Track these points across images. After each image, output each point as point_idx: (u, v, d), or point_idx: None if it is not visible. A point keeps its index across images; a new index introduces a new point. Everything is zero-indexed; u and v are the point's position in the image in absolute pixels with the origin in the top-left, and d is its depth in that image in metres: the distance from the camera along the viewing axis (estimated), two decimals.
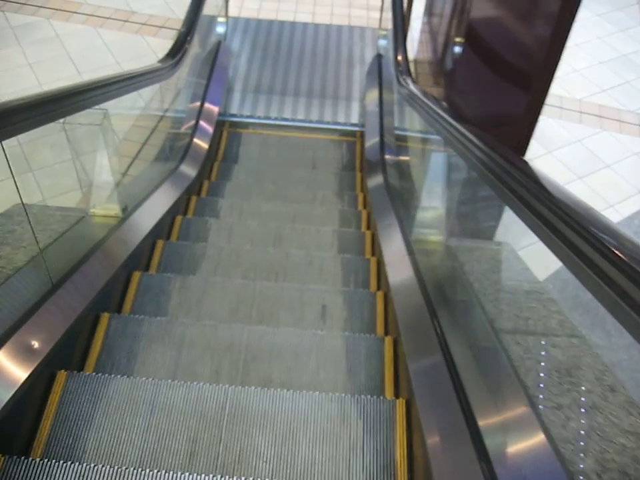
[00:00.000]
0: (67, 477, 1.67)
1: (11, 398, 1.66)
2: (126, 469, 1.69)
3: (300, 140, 5.03)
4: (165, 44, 3.78)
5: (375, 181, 3.78)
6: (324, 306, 2.68)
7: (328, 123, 5.32)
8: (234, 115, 5.31)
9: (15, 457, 1.68)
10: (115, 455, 1.84)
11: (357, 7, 6.86)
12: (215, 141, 4.58)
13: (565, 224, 1.14)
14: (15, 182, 1.78)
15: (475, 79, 3.52)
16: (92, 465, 1.69)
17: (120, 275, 2.52)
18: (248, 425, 1.95)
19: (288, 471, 1.85)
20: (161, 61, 3.34)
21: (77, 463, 1.69)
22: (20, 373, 1.75)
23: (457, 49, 4.05)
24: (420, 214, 2.80)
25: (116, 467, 1.69)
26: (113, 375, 2.04)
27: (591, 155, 5.38)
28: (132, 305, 2.60)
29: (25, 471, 1.66)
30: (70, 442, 1.86)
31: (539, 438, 1.41)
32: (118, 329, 2.33)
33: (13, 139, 1.67)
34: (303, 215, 3.70)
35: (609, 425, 1.34)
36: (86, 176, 2.70)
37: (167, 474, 1.69)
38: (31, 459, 1.68)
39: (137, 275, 2.69)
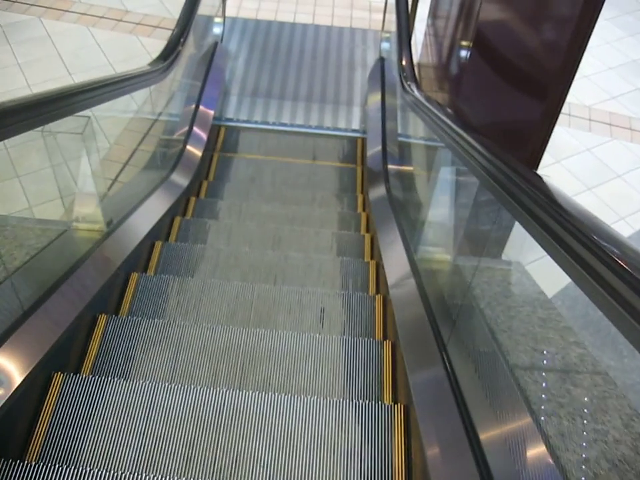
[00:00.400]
0: None
1: (6, 401, 1.64)
2: (122, 473, 1.68)
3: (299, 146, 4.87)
4: (159, 44, 3.63)
5: (377, 192, 3.62)
6: (322, 309, 2.68)
7: (328, 128, 5.18)
8: (230, 120, 5.17)
9: (11, 460, 1.67)
10: (112, 459, 1.84)
11: (359, 8, 6.73)
12: (209, 147, 4.42)
13: (577, 240, 1.10)
14: None
15: (484, 86, 3.38)
16: (88, 469, 1.68)
17: (84, 318, 2.31)
18: (245, 430, 1.94)
19: (285, 477, 1.85)
20: (152, 63, 3.18)
21: (73, 467, 1.68)
22: (16, 375, 1.73)
23: (464, 54, 3.92)
24: (426, 230, 2.66)
25: (112, 471, 1.68)
26: (109, 378, 2.04)
27: (600, 165, 5.23)
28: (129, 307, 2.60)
29: (20, 474, 1.65)
30: (66, 445, 1.85)
31: (540, 449, 1.41)
32: (115, 331, 2.33)
33: None
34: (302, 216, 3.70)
35: None
36: (68, 187, 2.54)
37: (163, 478, 1.69)
38: (26, 462, 1.67)
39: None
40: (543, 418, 1.56)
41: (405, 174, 3.65)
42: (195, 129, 4.18)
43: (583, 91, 5.95)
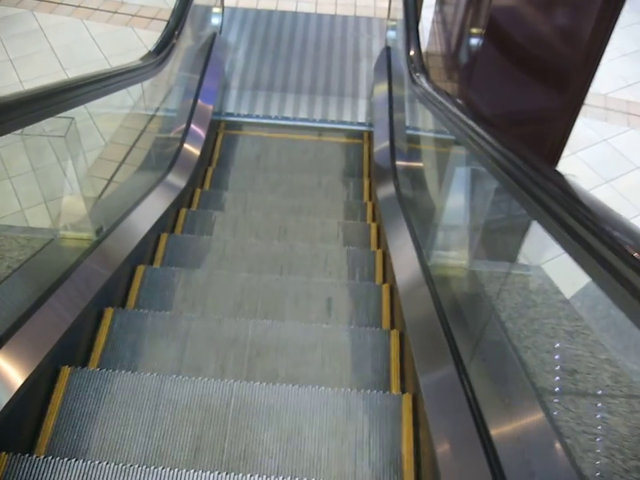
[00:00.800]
0: (71, 474, 1.67)
1: (14, 395, 1.65)
2: (130, 466, 1.69)
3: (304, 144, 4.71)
4: (157, 37, 3.48)
5: (385, 190, 3.45)
6: (329, 299, 2.68)
7: (333, 122, 5.01)
8: (230, 114, 5.00)
9: (19, 454, 1.67)
10: (120, 451, 1.84)
11: None
12: (208, 144, 4.25)
13: (600, 239, 1.05)
14: None
15: (497, 76, 3.21)
16: (96, 462, 1.69)
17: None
18: (253, 421, 1.95)
19: (293, 467, 1.85)
20: (144, 57, 3.02)
21: (81, 460, 1.69)
22: (24, 369, 1.74)
23: (475, 42, 3.74)
24: (439, 231, 2.49)
25: (120, 464, 1.69)
26: (117, 371, 2.05)
27: (618, 156, 5.03)
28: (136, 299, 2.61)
29: (29, 468, 1.66)
30: (74, 438, 1.86)
31: (550, 439, 1.41)
32: (122, 324, 2.33)
33: None
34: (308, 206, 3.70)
35: None
36: (53, 193, 2.39)
37: (171, 471, 1.68)
38: (35, 456, 1.68)
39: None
40: (572, 447, 1.42)
41: (415, 170, 3.48)
42: (193, 124, 4.01)
43: (598, 78, 5.72)
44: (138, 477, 1.69)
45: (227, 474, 1.71)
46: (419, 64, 3.13)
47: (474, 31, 3.92)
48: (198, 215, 3.41)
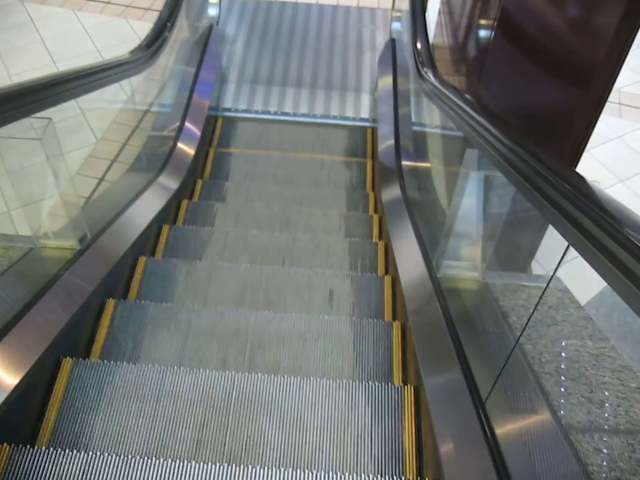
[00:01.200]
0: (73, 465, 1.67)
1: (16, 386, 1.66)
2: (132, 457, 1.70)
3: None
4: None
5: (391, 192, 3.29)
6: (331, 290, 2.70)
7: (335, 117, 4.84)
8: (228, 110, 4.84)
9: (21, 445, 1.68)
10: (122, 443, 1.85)
11: None
12: (204, 141, 4.08)
13: (619, 244, 0.99)
14: None
15: (510, 71, 3.04)
16: (98, 454, 1.69)
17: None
18: (255, 412, 1.96)
19: (295, 459, 1.86)
20: (134, 51, 2.85)
21: (83, 452, 1.69)
22: (25, 360, 1.75)
23: (485, 34, 3.57)
24: (449, 239, 2.33)
25: (122, 456, 1.70)
26: (118, 362, 2.06)
27: (632, 154, 4.85)
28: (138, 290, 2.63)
29: (30, 459, 1.66)
30: (76, 430, 1.87)
31: (553, 429, 1.44)
32: (123, 315, 2.35)
33: None
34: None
35: None
36: (30, 199, 2.22)
37: (173, 462, 1.69)
38: (36, 447, 1.69)
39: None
40: None
41: (423, 171, 3.31)
42: (188, 120, 3.84)
43: None
44: (140, 468, 1.69)
45: (228, 465, 1.71)
46: (427, 58, 2.96)
47: (483, 22, 3.75)
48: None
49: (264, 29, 5.69)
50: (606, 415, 1.57)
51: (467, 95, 2.15)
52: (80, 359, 2.05)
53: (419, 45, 3.16)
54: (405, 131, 3.77)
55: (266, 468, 1.72)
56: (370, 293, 2.71)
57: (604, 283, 1.08)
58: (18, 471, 1.65)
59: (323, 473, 1.73)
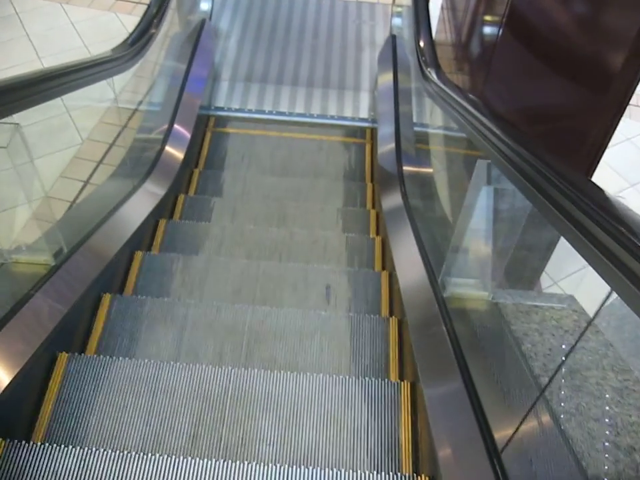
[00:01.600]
0: (69, 461, 1.68)
1: (11, 381, 1.66)
2: (128, 453, 1.70)
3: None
4: None
5: (391, 200, 3.12)
6: (328, 286, 2.71)
7: (332, 117, 4.71)
8: (220, 109, 4.69)
9: (16, 440, 1.68)
10: (117, 438, 1.86)
11: None
12: (194, 143, 3.91)
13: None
14: None
15: (520, 70, 2.88)
16: (93, 449, 1.70)
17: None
18: (251, 408, 1.97)
19: (291, 454, 1.87)
20: (117, 48, 2.68)
21: (79, 447, 1.70)
22: (20, 355, 1.75)
23: (490, 31, 3.42)
24: (457, 257, 2.17)
25: (118, 451, 1.70)
26: (114, 357, 2.07)
27: None
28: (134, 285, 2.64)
29: (26, 454, 1.67)
30: (71, 425, 1.88)
31: (548, 423, 1.44)
32: (120, 310, 2.36)
33: None
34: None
35: None
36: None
37: (169, 458, 1.70)
38: (32, 442, 1.70)
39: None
40: None
41: (426, 175, 3.15)
42: (178, 120, 3.66)
43: None
44: (135, 463, 1.69)
45: (224, 461, 1.71)
46: (431, 57, 2.79)
47: (490, 18, 3.60)
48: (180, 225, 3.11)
49: (259, 24, 5.55)
50: (638, 464, 1.41)
51: (477, 100, 1.99)
52: (76, 354, 2.05)
53: (422, 43, 2.99)
54: (406, 133, 3.60)
55: (262, 463, 1.73)
56: (367, 289, 2.72)
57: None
58: (13, 466, 1.65)
59: (319, 468, 1.74)
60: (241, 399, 1.99)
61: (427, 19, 3.18)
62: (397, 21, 4.85)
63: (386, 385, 2.06)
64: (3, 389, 1.64)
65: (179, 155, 3.42)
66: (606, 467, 1.42)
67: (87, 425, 1.89)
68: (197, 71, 4.19)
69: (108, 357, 2.07)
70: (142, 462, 1.69)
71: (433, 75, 2.69)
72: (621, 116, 2.22)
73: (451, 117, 2.25)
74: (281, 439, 1.90)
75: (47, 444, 1.71)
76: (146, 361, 2.06)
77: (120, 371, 2.03)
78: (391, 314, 2.60)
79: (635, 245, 0.95)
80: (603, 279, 1.05)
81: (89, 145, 4.20)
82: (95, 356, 2.08)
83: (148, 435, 1.88)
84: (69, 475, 1.66)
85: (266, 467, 1.72)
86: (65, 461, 1.68)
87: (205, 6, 4.92)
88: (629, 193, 4.37)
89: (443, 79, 2.55)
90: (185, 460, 1.70)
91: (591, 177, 2.49)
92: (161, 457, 1.70)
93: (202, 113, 4.28)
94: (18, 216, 2.14)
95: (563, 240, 1.27)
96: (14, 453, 1.67)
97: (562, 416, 1.54)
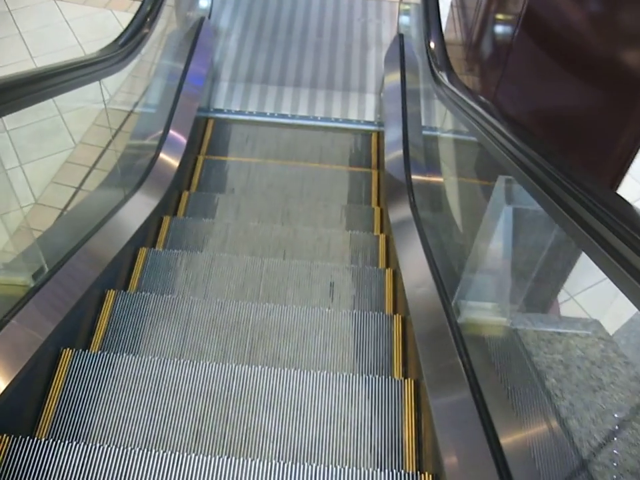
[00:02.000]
0: (73, 457, 1.69)
1: (15, 377, 1.67)
2: (132, 449, 1.72)
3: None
4: None
5: (400, 212, 2.95)
6: (332, 283, 2.72)
7: (337, 120, 4.56)
8: (220, 111, 4.53)
9: (20, 437, 1.70)
10: (121, 434, 1.88)
11: None
12: (191, 147, 3.74)
13: None
14: None
15: (538, 74, 2.71)
16: (97, 445, 1.71)
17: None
18: (255, 405, 1.98)
19: (294, 451, 1.88)
20: (105, 49, 2.52)
21: (83, 443, 1.71)
22: (25, 351, 1.77)
23: (502, 30, 3.26)
24: (473, 279, 2.00)
25: (121, 448, 1.72)
26: (118, 353, 2.09)
27: None
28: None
29: (30, 451, 1.68)
30: (75, 421, 1.89)
31: (551, 423, 1.46)
32: (124, 306, 2.37)
33: None
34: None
35: None
36: None
37: (172, 454, 1.71)
38: (36, 438, 1.71)
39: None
40: None
41: (437, 184, 2.98)
42: (174, 123, 3.50)
43: None
44: (139, 460, 1.70)
45: (227, 458, 1.72)
46: (443, 60, 2.62)
47: (504, 18, 3.43)
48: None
49: (260, 22, 5.41)
50: None
51: (496, 108, 1.82)
52: (80, 350, 2.06)
53: (432, 45, 2.81)
54: (415, 139, 3.43)
55: (265, 460, 1.73)
56: (371, 286, 2.72)
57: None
58: (18, 462, 1.66)
59: (322, 465, 1.74)
60: (245, 396, 2.00)
61: (438, 18, 3.01)
62: (404, 19, 4.67)
63: (389, 382, 2.07)
64: (6, 385, 1.64)
65: (174, 162, 3.24)
66: None
67: (91, 421, 1.90)
68: (195, 71, 4.03)
69: (112, 353, 2.08)
70: (146, 458, 1.70)
71: (445, 79, 2.52)
72: None
73: (466, 125, 2.08)
74: (284, 435, 1.91)
75: (50, 440, 1.72)
76: (150, 357, 2.08)
77: (124, 367, 2.05)
78: (394, 311, 2.60)
79: None
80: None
81: (80, 150, 4.05)
82: (99, 352, 2.09)
83: (152, 432, 1.89)
84: (73, 471, 1.67)
85: (269, 464, 1.72)
86: (69, 457, 1.69)
87: (204, 3, 4.75)
88: None
89: (457, 83, 2.38)
90: (189, 456, 1.71)
91: (618, 187, 2.32)
92: (165, 454, 1.71)
93: (200, 115, 4.12)
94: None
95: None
96: (18, 448, 1.68)
97: (596, 471, 1.37)
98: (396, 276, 2.68)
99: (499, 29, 3.52)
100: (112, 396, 1.97)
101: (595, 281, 3.90)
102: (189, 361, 2.07)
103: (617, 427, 1.57)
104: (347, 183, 3.88)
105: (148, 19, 2.86)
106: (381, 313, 2.45)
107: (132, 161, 3.04)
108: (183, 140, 3.43)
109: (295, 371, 2.06)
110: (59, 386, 1.97)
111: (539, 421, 1.59)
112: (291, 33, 5.32)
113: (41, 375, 1.92)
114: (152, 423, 1.91)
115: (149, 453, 1.71)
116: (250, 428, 1.92)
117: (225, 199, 3.46)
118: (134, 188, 2.89)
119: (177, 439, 1.88)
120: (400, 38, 4.50)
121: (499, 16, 3.54)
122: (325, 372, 2.08)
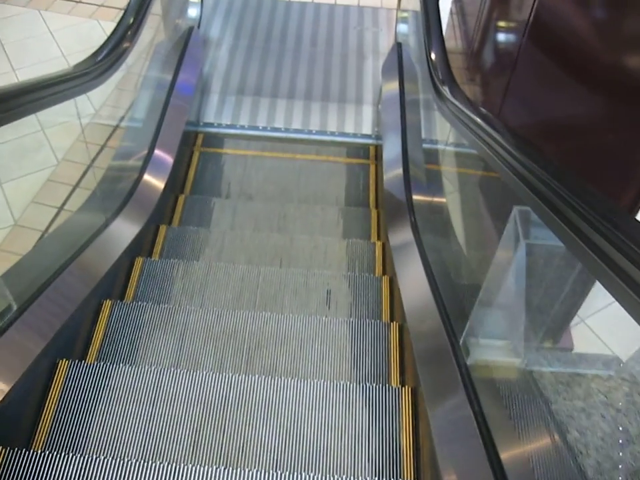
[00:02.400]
0: (69, 468, 1.70)
1: (11, 388, 1.68)
2: (128, 460, 1.73)
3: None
4: None
5: (400, 234, 2.79)
6: (328, 291, 2.73)
7: (332, 134, 4.42)
8: (210, 125, 4.36)
9: (17, 448, 1.70)
10: (118, 445, 1.89)
11: None
12: (179, 165, 3.58)
13: None
14: None
15: (550, 83, 2.57)
16: (94, 457, 1.73)
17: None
18: (252, 415, 2.00)
19: (292, 461, 1.88)
20: (81, 64, 2.36)
21: (79, 455, 1.72)
22: (21, 362, 1.78)
23: (509, 39, 3.11)
24: (484, 316, 1.86)
25: (118, 459, 1.73)
26: (115, 364, 2.10)
27: None
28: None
29: (26, 463, 1.69)
30: (72, 432, 1.90)
31: (548, 430, 1.44)
32: (120, 316, 2.39)
33: None
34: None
35: None
36: None
37: (169, 465, 1.72)
38: (32, 450, 1.71)
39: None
40: None
41: (440, 207, 2.82)
42: (160, 141, 3.33)
43: None
44: (136, 471, 1.71)
45: (225, 468, 1.74)
46: (446, 72, 2.46)
47: (507, 25, 3.29)
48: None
49: (252, 31, 5.27)
50: None
51: (511, 130, 1.65)
52: (76, 361, 2.07)
53: (434, 56, 2.65)
54: (415, 154, 3.27)
55: (263, 471, 1.75)
56: (367, 294, 2.74)
57: None
58: (14, 474, 1.66)
59: (320, 475, 1.75)
60: (242, 406, 2.01)
61: (439, 28, 2.86)
62: (402, 27, 4.54)
63: (387, 390, 2.08)
64: (3, 396, 1.65)
65: (159, 184, 3.08)
66: None
67: (88, 432, 1.91)
68: (183, 83, 3.87)
69: (108, 363, 2.09)
70: (142, 470, 1.71)
71: (449, 94, 2.36)
72: None
73: (474, 147, 1.91)
74: (281, 445, 1.93)
75: (47, 452, 1.73)
76: (146, 368, 2.08)
77: (120, 378, 2.06)
78: (391, 319, 2.61)
79: None
80: None
81: (63, 167, 3.89)
82: (95, 363, 2.10)
83: (148, 443, 1.90)
84: None
85: (266, 474, 1.74)
86: (65, 468, 1.70)
87: (193, 12, 4.60)
88: None
89: (462, 98, 2.22)
90: (186, 467, 1.73)
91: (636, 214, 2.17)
92: (162, 465, 1.72)
93: (189, 129, 3.96)
94: None
95: None
96: (14, 460, 1.68)
97: None
98: (392, 283, 2.71)
99: (504, 37, 3.39)
100: (108, 407, 1.98)
101: (607, 303, 3.73)
102: (185, 371, 2.08)
103: None
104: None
105: (128, 33, 2.69)
106: (378, 321, 2.48)
107: (112, 185, 2.88)
108: (169, 159, 3.26)
109: (292, 380, 2.08)
110: (56, 397, 1.98)
111: None
112: (284, 42, 5.19)
113: (37, 386, 1.94)
114: (149, 434, 1.92)
115: (146, 464, 1.72)
116: (247, 438, 1.93)
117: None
118: (115, 212, 2.73)
119: (173, 450, 1.89)
120: (398, 47, 4.37)
121: (504, 24, 3.40)
122: (322, 381, 2.09)
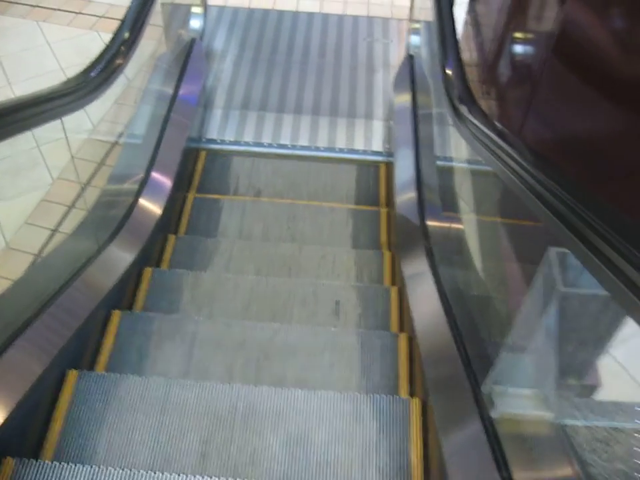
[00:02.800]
0: (78, 479, 1.73)
1: (21, 399, 1.71)
2: (137, 471, 1.76)
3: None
4: None
5: (415, 265, 2.63)
6: (337, 302, 2.75)
7: (341, 151, 4.29)
8: (213, 141, 4.24)
9: (26, 459, 1.74)
10: (127, 456, 1.91)
11: None
12: (179, 185, 3.44)
13: None
14: None
15: (575, 105, 2.40)
16: (102, 467, 1.76)
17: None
18: (261, 426, 2.02)
19: (301, 473, 1.91)
20: (71, 80, 2.23)
21: (88, 465, 1.76)
22: (30, 373, 1.81)
23: (533, 52, 2.96)
24: (512, 367, 1.70)
25: (127, 470, 1.76)
26: (124, 374, 2.12)
27: None
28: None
29: (35, 473, 1.72)
30: (81, 443, 1.92)
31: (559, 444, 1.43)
32: (129, 327, 2.41)
33: None
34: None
35: None
36: None
37: (178, 477, 1.75)
38: (41, 461, 1.75)
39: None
40: None
41: (457, 231, 2.66)
42: (154, 172, 3.18)
43: None
44: None
45: (234, 479, 1.78)
46: (464, 90, 2.30)
47: (527, 37, 3.15)
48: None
49: (258, 43, 5.15)
50: None
51: (546, 160, 1.48)
52: (85, 371, 2.10)
53: (449, 71, 2.50)
54: (429, 173, 3.12)
55: None
56: (376, 304, 2.76)
57: None
58: None
59: None
60: (251, 416, 2.04)
61: (455, 41, 2.71)
62: (414, 39, 4.41)
63: (396, 401, 2.10)
64: (12, 407, 1.67)
65: (157, 210, 2.93)
66: None
67: (96, 443, 1.93)
68: (184, 97, 3.75)
69: (117, 374, 2.11)
70: None
71: (467, 112, 2.20)
72: None
73: (503, 178, 1.73)
74: (290, 456, 1.95)
75: (56, 462, 1.75)
76: (155, 378, 2.10)
77: (129, 388, 2.07)
78: (401, 329, 2.62)
79: None
80: None
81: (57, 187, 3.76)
82: (105, 373, 2.12)
83: (157, 453, 1.92)
84: None
85: None
86: (74, 479, 1.73)
87: (195, 24, 4.48)
88: None
89: (483, 119, 2.05)
90: (195, 478, 1.75)
91: None
92: (171, 476, 1.74)
93: (190, 145, 3.82)
94: None
95: None
96: (23, 471, 1.72)
97: None
98: (401, 295, 2.73)
99: (522, 49, 3.25)
100: (117, 417, 2.00)
101: (633, 331, 3.55)
102: (194, 382, 2.10)
103: None
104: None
105: (123, 48, 2.56)
106: (387, 332, 2.52)
107: (105, 210, 2.74)
108: (169, 181, 3.12)
109: (301, 391, 2.09)
110: (64, 407, 2.00)
111: None
112: (291, 54, 5.08)
113: (46, 397, 1.96)
114: (158, 445, 1.94)
115: (155, 475, 1.74)
116: (256, 449, 1.96)
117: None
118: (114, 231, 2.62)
119: (182, 461, 1.91)
120: (410, 59, 4.25)
121: (522, 35, 3.26)
122: (331, 392, 2.11)
